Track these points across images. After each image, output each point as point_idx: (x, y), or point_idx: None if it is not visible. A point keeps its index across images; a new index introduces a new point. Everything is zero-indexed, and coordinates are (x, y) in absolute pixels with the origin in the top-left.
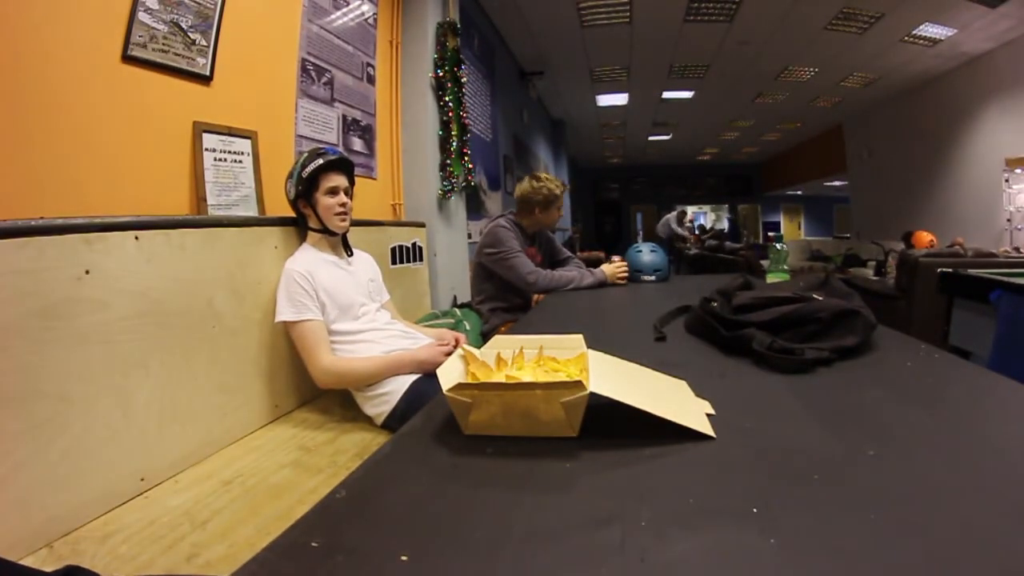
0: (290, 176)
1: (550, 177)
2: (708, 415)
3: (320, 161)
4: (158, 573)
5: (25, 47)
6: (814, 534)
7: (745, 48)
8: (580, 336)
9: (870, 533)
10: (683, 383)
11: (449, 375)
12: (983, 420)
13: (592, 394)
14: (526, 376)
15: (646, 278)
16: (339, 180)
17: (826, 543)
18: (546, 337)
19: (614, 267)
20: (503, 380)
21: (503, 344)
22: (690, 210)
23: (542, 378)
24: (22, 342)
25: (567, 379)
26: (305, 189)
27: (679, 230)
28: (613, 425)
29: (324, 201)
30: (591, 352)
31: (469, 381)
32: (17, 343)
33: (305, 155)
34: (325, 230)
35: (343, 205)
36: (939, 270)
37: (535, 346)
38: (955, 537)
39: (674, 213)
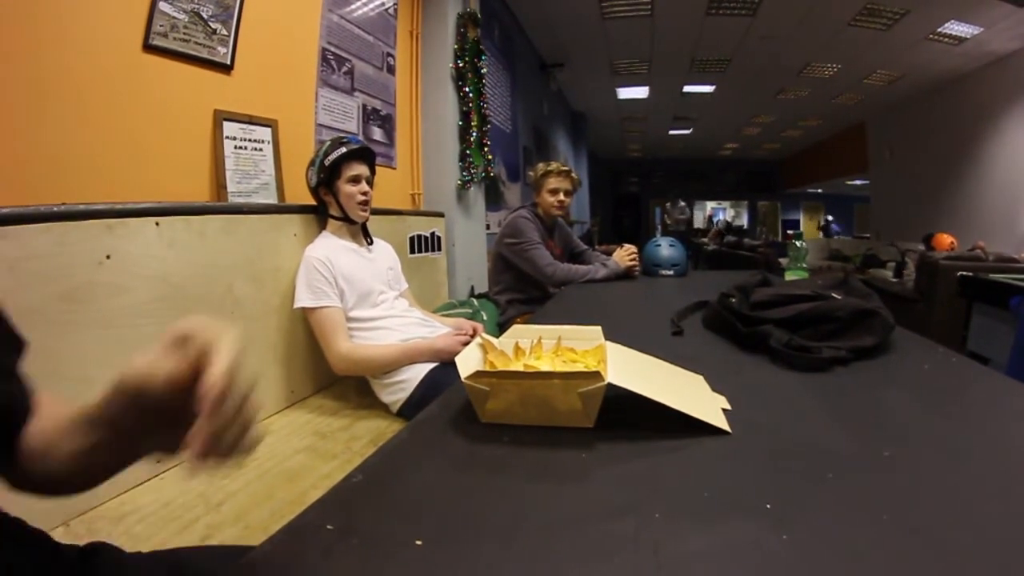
0: (312, 164)
1: (547, 162)
2: (724, 410)
3: (343, 150)
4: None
5: (47, 36)
6: (827, 532)
7: (767, 43)
8: (599, 328)
9: (883, 534)
10: (700, 378)
11: (467, 363)
12: (999, 426)
13: (609, 385)
14: (544, 366)
15: (664, 272)
16: (361, 169)
17: (839, 542)
18: (564, 328)
19: (624, 252)
20: (521, 369)
21: (521, 334)
22: (709, 205)
23: (560, 368)
24: (44, 325)
25: (585, 370)
26: (327, 177)
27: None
28: (629, 417)
29: (346, 189)
30: (609, 344)
31: (487, 369)
32: (39, 326)
33: (328, 143)
34: (346, 218)
35: (364, 194)
36: (959, 274)
37: (553, 336)
38: (968, 541)
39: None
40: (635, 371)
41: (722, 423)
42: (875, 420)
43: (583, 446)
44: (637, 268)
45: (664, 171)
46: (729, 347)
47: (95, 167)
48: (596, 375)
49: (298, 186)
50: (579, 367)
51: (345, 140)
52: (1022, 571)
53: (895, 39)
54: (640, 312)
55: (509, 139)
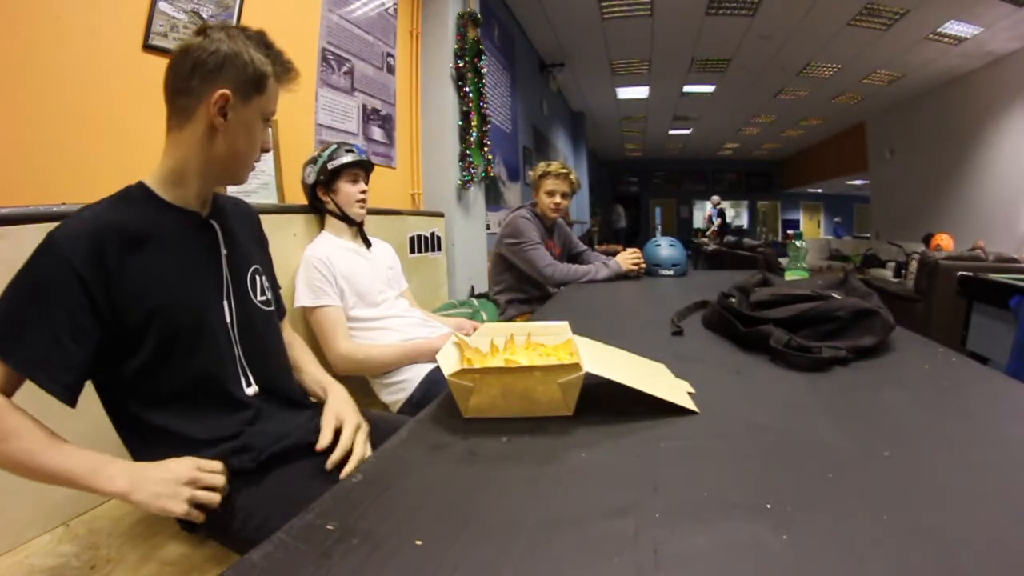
0: (312, 161)
1: (548, 162)
2: (690, 393)
3: (348, 158)
4: (173, 553)
5: (47, 36)
6: (827, 532)
7: (767, 43)
8: (566, 323)
9: (883, 533)
10: (662, 366)
11: (448, 362)
12: (999, 425)
13: (589, 375)
14: (522, 360)
15: (664, 272)
16: (360, 172)
17: (839, 541)
18: (533, 324)
19: (627, 255)
20: (503, 364)
21: (493, 332)
22: (709, 205)
23: (536, 362)
24: None
25: (560, 362)
26: (327, 178)
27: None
28: (603, 405)
29: (345, 189)
30: (576, 337)
31: (467, 367)
32: None
33: (335, 147)
34: (343, 217)
35: (363, 192)
36: (959, 274)
37: (523, 333)
38: (967, 541)
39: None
40: (606, 361)
41: (690, 404)
42: (875, 420)
43: (584, 446)
44: (642, 268)
45: (664, 171)
46: (729, 347)
47: (95, 167)
48: (574, 366)
49: (298, 186)
50: (553, 360)
51: (351, 148)
52: (1022, 571)
53: (895, 39)
54: (640, 312)
55: (509, 139)
